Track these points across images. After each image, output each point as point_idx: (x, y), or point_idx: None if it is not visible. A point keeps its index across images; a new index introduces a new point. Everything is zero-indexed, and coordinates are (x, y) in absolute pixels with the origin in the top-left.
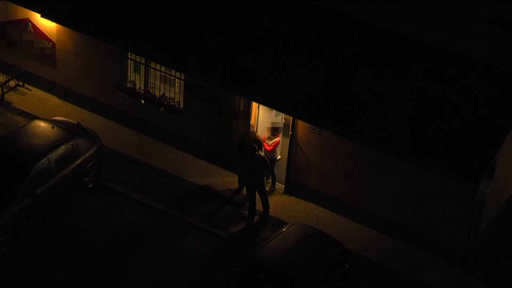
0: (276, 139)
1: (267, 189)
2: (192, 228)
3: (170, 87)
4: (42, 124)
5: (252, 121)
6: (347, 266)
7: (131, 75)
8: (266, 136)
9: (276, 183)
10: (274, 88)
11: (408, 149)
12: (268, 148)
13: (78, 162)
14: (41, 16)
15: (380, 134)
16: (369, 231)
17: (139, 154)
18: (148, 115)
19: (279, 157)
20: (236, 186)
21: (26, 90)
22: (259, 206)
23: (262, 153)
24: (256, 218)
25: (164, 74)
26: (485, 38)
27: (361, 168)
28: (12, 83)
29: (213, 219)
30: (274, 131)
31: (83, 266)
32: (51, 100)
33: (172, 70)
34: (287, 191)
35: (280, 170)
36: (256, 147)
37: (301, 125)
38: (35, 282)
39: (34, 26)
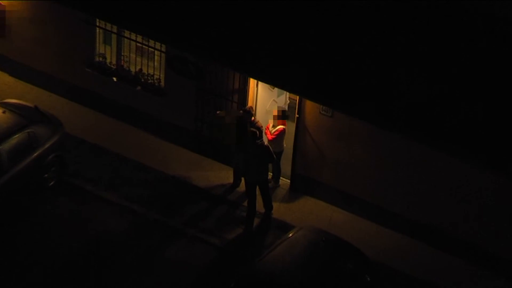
0: (280, 127)
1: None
2: (178, 235)
3: (148, 61)
4: None
5: (250, 103)
6: (369, 279)
7: (100, 47)
8: (270, 124)
9: (281, 178)
10: (276, 61)
11: (443, 134)
12: (269, 137)
13: (36, 154)
14: None
15: (406, 117)
16: (395, 235)
17: (111, 144)
18: (122, 95)
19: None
20: (231, 181)
21: None
22: (260, 207)
23: (266, 142)
24: (257, 221)
25: (141, 45)
26: None
27: (383, 158)
28: None
29: (204, 223)
30: (281, 117)
31: (46, 280)
32: (2, 78)
33: (150, 41)
34: (293, 188)
35: (285, 162)
36: (257, 133)
37: (310, 106)
38: None
39: None
